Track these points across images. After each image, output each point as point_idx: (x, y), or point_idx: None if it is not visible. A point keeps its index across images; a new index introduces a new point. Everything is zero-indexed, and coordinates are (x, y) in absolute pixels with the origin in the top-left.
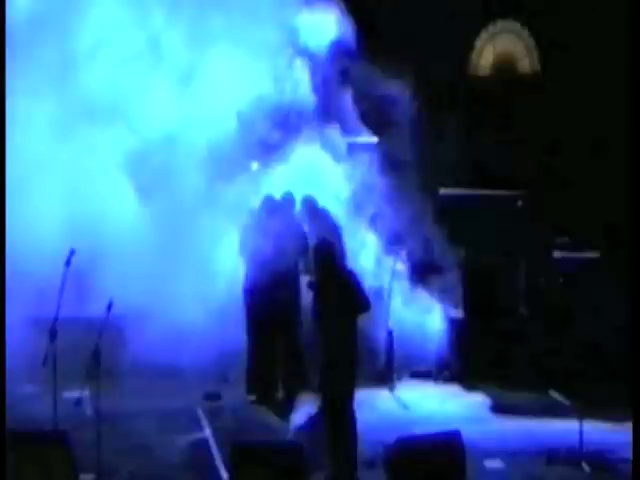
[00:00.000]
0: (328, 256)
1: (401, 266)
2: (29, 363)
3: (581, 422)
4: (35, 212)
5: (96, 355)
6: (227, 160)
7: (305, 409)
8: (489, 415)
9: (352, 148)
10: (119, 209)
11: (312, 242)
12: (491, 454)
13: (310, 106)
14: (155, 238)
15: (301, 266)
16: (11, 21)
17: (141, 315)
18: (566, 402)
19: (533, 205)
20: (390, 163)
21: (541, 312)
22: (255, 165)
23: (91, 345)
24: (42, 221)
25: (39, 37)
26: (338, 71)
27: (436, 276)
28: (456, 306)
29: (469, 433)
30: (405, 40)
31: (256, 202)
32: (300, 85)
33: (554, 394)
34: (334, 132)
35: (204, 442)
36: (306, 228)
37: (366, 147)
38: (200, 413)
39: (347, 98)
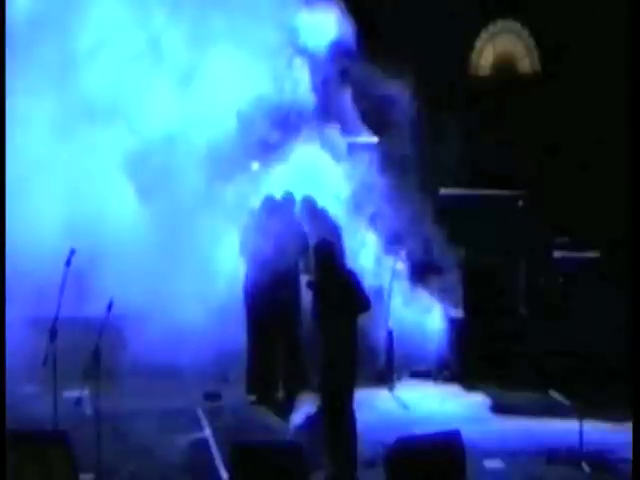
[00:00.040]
0: (328, 256)
1: (401, 266)
2: (29, 363)
3: (581, 422)
4: (35, 212)
5: (96, 355)
6: (227, 160)
7: (305, 409)
8: (489, 415)
9: (352, 148)
10: (119, 209)
11: (312, 242)
12: (491, 454)
13: (310, 106)
14: (155, 238)
15: (301, 266)
16: (11, 21)
17: (141, 315)
18: (566, 402)
19: (533, 205)
20: (390, 163)
21: (541, 312)
22: (255, 165)
23: (91, 345)
24: (42, 221)
25: (39, 37)
26: (338, 71)
27: (436, 276)
28: (456, 306)
29: (469, 433)
30: (405, 40)
31: (256, 202)
32: (300, 85)
33: (554, 394)
34: (334, 132)
35: (204, 442)
36: (306, 228)
37: (366, 147)
38: (200, 413)
39: (347, 98)
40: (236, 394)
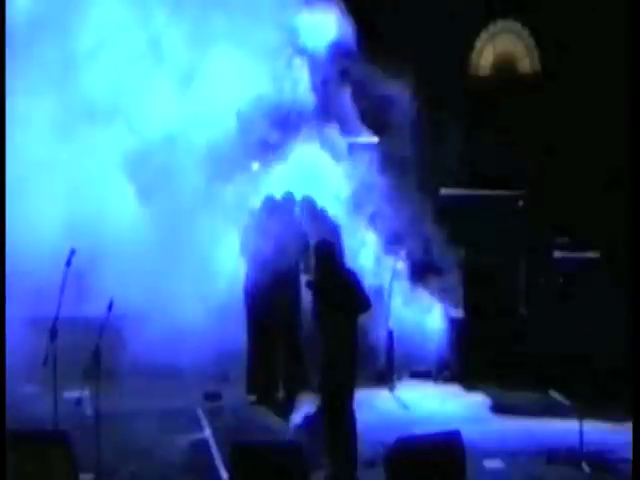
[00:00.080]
0: (328, 256)
1: (401, 265)
2: (29, 363)
3: (581, 422)
4: (35, 212)
5: (96, 355)
6: (227, 160)
7: (305, 409)
8: (489, 415)
9: (352, 148)
10: (119, 209)
11: (312, 242)
12: (491, 454)
13: (310, 106)
14: (155, 238)
15: (301, 266)
16: (11, 21)
17: (141, 315)
18: (566, 402)
19: (533, 205)
20: (390, 163)
21: (541, 312)
22: (255, 165)
23: (91, 345)
24: (42, 221)
25: (39, 37)
26: (338, 71)
27: (435, 276)
28: (456, 306)
29: (469, 433)
30: (405, 40)
31: (256, 202)
32: (300, 85)
33: (554, 394)
34: (333, 132)
35: (204, 442)
36: (306, 228)
37: (366, 147)
38: (200, 413)
39: (347, 98)
40: (236, 394)
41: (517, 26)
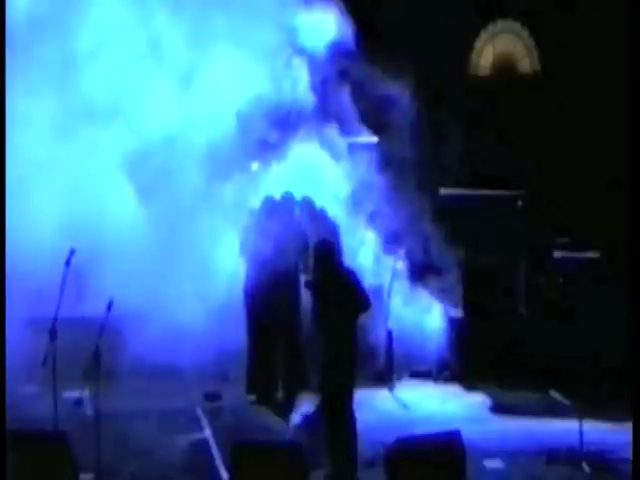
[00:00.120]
0: (328, 256)
1: (401, 265)
2: (29, 363)
3: (581, 422)
4: (35, 212)
5: (96, 355)
6: (227, 160)
7: (305, 409)
8: (489, 415)
9: (352, 148)
10: (119, 209)
11: (312, 242)
12: (491, 454)
13: (309, 106)
14: (155, 238)
15: (301, 266)
16: (11, 21)
17: (141, 315)
18: (566, 402)
19: (533, 205)
20: (389, 163)
21: (541, 312)
22: (255, 165)
23: (91, 345)
24: (42, 221)
25: (39, 37)
26: (337, 71)
27: (434, 276)
28: (456, 306)
29: (469, 433)
30: (405, 40)
31: (256, 202)
32: (299, 85)
33: (554, 394)
34: (333, 132)
35: (204, 442)
36: (306, 228)
37: (366, 147)
38: (200, 413)
39: (346, 98)
40: (236, 394)
41: (517, 26)
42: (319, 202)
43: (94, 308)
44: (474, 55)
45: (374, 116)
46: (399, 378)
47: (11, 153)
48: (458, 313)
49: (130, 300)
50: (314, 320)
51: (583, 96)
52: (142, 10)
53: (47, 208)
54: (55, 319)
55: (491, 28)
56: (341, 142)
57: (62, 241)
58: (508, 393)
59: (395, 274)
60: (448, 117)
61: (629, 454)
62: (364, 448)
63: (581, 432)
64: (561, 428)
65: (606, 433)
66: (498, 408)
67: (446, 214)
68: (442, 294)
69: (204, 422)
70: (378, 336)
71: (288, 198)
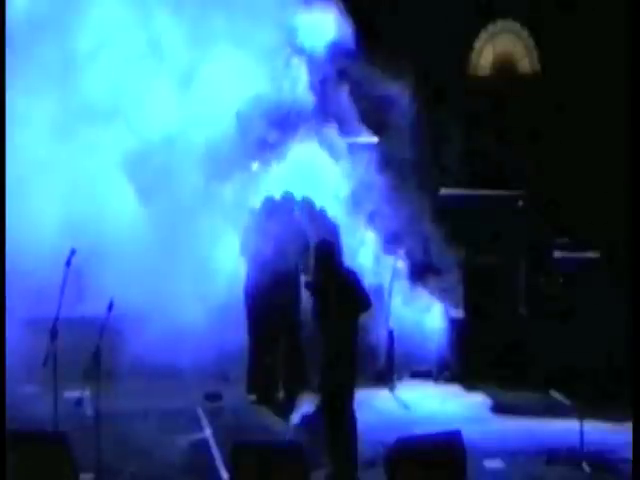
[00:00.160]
0: (328, 256)
1: (401, 265)
2: (29, 363)
3: (581, 422)
4: (35, 212)
5: (96, 355)
6: (226, 160)
7: (305, 409)
8: (489, 415)
9: (352, 148)
10: (119, 209)
11: (312, 242)
12: (491, 454)
13: (309, 106)
14: (155, 238)
15: (301, 266)
16: (11, 21)
17: (141, 315)
18: (566, 402)
19: (533, 205)
20: (389, 163)
21: (541, 312)
22: (255, 165)
23: (91, 345)
24: (42, 221)
25: (39, 37)
26: (337, 71)
27: (434, 276)
28: (456, 306)
29: (469, 433)
30: (404, 40)
31: (255, 202)
32: (299, 85)
33: (554, 394)
34: (332, 131)
35: (204, 442)
36: (306, 228)
37: (366, 147)
38: (200, 413)
39: (346, 98)
40: (236, 394)
41: (517, 26)
42: (319, 202)
43: (94, 308)
44: (474, 55)
45: (374, 116)
46: (399, 378)
47: (11, 153)
48: (458, 313)
49: (130, 300)
50: (314, 320)
51: (583, 96)
52: (142, 10)
53: (47, 208)
54: (56, 319)
55: (491, 28)
56: (341, 142)
57: (62, 241)
58: (508, 393)
59: (395, 274)
60: (448, 117)
61: (629, 454)
62: (364, 448)
63: (581, 432)
64: (561, 428)
65: (606, 433)
66: (498, 408)
67: (446, 214)
68: (442, 294)
69: (204, 422)
70: (379, 336)
71: (288, 198)
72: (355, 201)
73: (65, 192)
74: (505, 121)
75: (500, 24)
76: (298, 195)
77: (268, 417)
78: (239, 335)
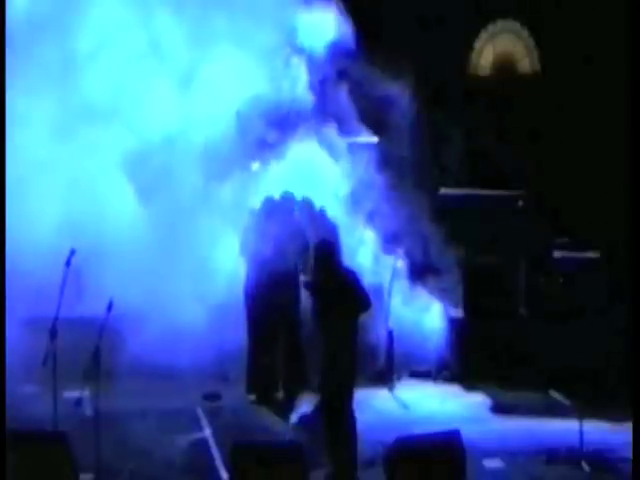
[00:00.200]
0: (328, 256)
1: (401, 264)
2: (29, 363)
3: (581, 422)
4: (35, 212)
5: (96, 355)
6: (226, 160)
7: (305, 409)
8: (489, 415)
9: (351, 148)
10: (119, 209)
11: (312, 242)
12: (491, 454)
13: (308, 105)
14: (154, 238)
15: (300, 266)
16: (11, 21)
17: (140, 315)
18: (566, 402)
19: (533, 205)
20: (389, 162)
21: (541, 312)
22: (255, 165)
23: (91, 345)
24: (42, 221)
25: (39, 37)
26: (336, 71)
27: (434, 276)
28: (456, 306)
29: (469, 433)
30: (404, 40)
31: (255, 202)
32: (298, 84)
33: (554, 394)
34: (331, 131)
35: (204, 442)
36: (306, 228)
37: (365, 147)
38: (200, 413)
39: (345, 98)
40: (236, 394)
41: (517, 26)
42: (318, 201)
43: (94, 308)
44: (474, 55)
45: (374, 116)
46: (399, 378)
47: (11, 153)
48: (458, 313)
49: (130, 300)
50: (314, 320)
51: (583, 96)
52: (142, 10)
53: (47, 208)
54: (55, 319)
55: (491, 28)
56: (340, 142)
57: (62, 241)
58: (508, 393)
59: (395, 273)
60: (448, 117)
61: (629, 454)
62: (363, 448)
63: (581, 432)
64: (561, 428)
65: (606, 433)
66: (498, 408)
67: (446, 214)
68: (442, 294)
69: (204, 422)
70: (378, 336)
71: (288, 198)
72: (354, 201)
73: (65, 192)
74: (505, 121)
75: (500, 24)
76: (298, 195)
77: (268, 417)
78: (238, 335)
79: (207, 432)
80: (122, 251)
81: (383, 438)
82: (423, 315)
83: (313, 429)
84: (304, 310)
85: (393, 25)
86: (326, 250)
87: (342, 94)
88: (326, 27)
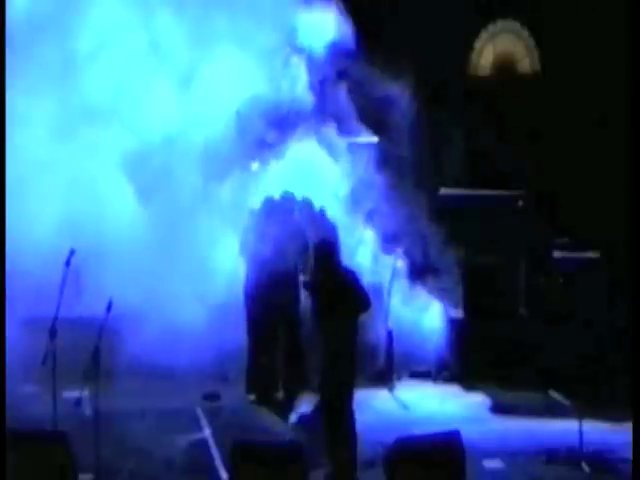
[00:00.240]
0: (328, 256)
1: (401, 264)
2: (29, 363)
3: (581, 422)
4: (35, 212)
5: (96, 355)
6: (226, 160)
7: (305, 409)
8: (489, 415)
9: (351, 147)
10: (118, 209)
11: (311, 242)
12: (491, 454)
13: (308, 105)
14: (154, 238)
15: (300, 266)
16: (11, 21)
17: (140, 315)
18: (566, 402)
19: (533, 205)
20: (389, 162)
21: (541, 312)
22: (255, 165)
23: (90, 345)
24: (42, 221)
25: (39, 37)
26: (336, 71)
27: (434, 276)
28: (456, 306)
29: (469, 433)
30: (404, 40)
31: (255, 202)
32: (298, 84)
33: (554, 394)
34: (331, 131)
35: (203, 442)
36: (305, 228)
37: (365, 146)
38: (199, 413)
39: (345, 97)
40: (235, 394)
41: (517, 26)
42: (318, 201)
43: (93, 308)
44: (474, 55)
45: (373, 116)
46: (399, 378)
47: (11, 153)
48: (458, 313)
49: (129, 300)
50: (314, 320)
51: (583, 96)
52: (143, 10)
53: (47, 208)
54: (55, 319)
55: (491, 28)
56: (340, 141)
57: (62, 241)
58: (508, 393)
59: (395, 273)
60: (448, 117)
61: (629, 454)
62: (364, 448)
63: (581, 432)
64: (561, 428)
65: (606, 433)
66: (498, 408)
67: (446, 214)
68: (442, 294)
69: (203, 422)
70: (378, 336)
71: (287, 198)
72: (354, 200)
73: (65, 192)
74: (505, 121)
75: (500, 24)
76: (297, 195)
77: (267, 417)
78: (238, 335)
79: (207, 432)
80: (122, 251)
81: (383, 438)
82: (423, 315)
83: (313, 429)
84: (304, 310)
85: (393, 25)
86: (326, 250)
87: (342, 94)
88: (326, 27)
